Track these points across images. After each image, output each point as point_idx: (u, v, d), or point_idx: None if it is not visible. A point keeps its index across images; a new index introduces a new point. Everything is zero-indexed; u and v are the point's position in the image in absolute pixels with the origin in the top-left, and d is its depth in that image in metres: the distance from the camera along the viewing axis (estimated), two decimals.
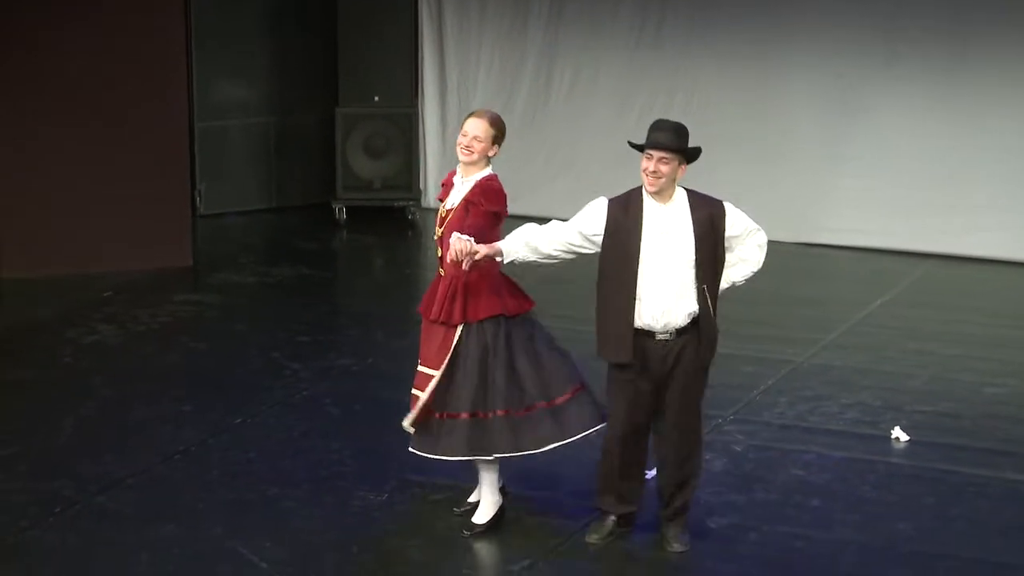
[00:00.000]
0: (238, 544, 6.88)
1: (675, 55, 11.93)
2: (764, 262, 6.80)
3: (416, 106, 12.40)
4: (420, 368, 6.89)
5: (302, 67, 12.43)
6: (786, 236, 11.72)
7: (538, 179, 12.10)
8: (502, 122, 6.87)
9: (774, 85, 11.72)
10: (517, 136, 12.41)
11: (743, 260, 6.75)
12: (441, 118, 12.51)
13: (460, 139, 6.82)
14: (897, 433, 8.17)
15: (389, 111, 12.22)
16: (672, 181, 6.59)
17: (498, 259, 6.61)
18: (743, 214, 6.72)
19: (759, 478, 7.64)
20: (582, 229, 6.58)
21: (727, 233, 6.64)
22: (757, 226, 6.75)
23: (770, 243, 11.32)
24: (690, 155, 6.62)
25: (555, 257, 6.64)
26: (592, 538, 6.84)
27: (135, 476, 7.60)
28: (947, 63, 11.30)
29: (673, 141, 6.56)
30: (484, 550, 6.86)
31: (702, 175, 11.57)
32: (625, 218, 6.54)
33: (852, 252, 11.49)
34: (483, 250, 6.50)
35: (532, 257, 6.63)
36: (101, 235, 10.69)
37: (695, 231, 6.56)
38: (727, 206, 6.68)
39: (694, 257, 6.56)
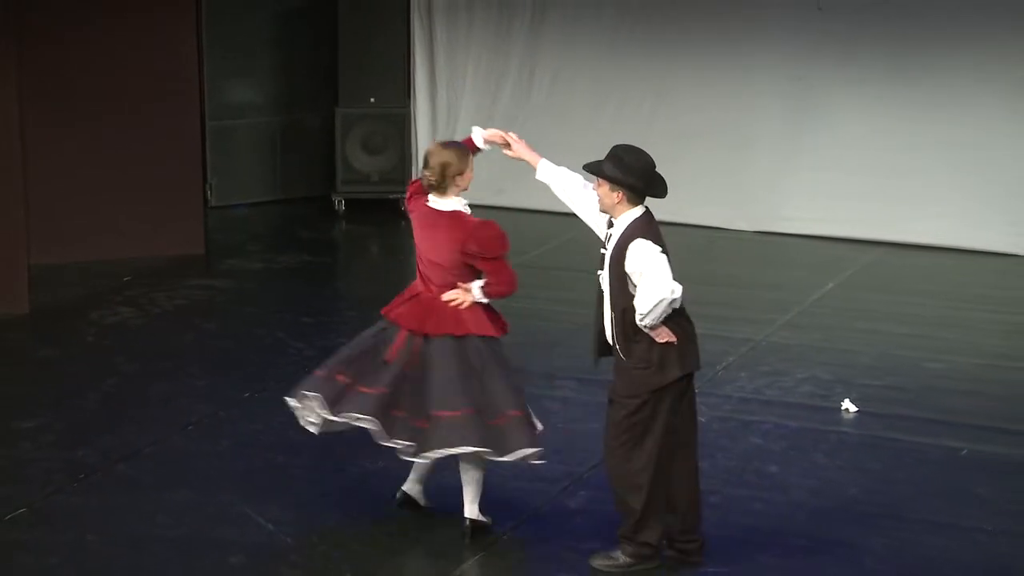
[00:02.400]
0: (247, 508, 6.89)
1: (646, 59, 11.92)
2: (657, 298, 6.01)
3: (409, 106, 12.38)
4: None
5: (305, 71, 12.40)
6: (746, 225, 11.76)
7: (520, 173, 12.05)
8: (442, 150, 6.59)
9: (737, 86, 11.71)
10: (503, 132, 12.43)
11: (635, 302, 6.07)
12: (432, 117, 12.50)
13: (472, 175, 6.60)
14: (847, 405, 8.20)
15: (384, 111, 12.20)
16: (610, 205, 6.16)
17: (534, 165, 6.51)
18: (647, 258, 6.06)
19: (721, 446, 7.66)
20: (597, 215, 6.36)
21: (626, 268, 6.10)
22: (656, 277, 6.02)
23: (732, 231, 11.67)
24: (626, 184, 6.10)
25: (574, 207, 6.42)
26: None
27: (153, 446, 7.60)
28: (896, 66, 11.30)
29: (601, 168, 6.14)
30: None
31: (670, 168, 11.68)
32: (606, 230, 6.33)
33: (807, 239, 11.49)
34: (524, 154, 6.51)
35: (557, 192, 6.46)
36: (121, 225, 10.67)
37: (609, 258, 6.18)
38: (634, 243, 6.08)
39: (608, 283, 6.20)
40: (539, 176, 6.57)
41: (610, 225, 6.29)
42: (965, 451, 7.62)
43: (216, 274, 10.66)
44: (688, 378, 6.27)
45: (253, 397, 8.26)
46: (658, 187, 6.21)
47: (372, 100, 12.18)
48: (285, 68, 12.37)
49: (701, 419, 7.91)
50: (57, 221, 10.49)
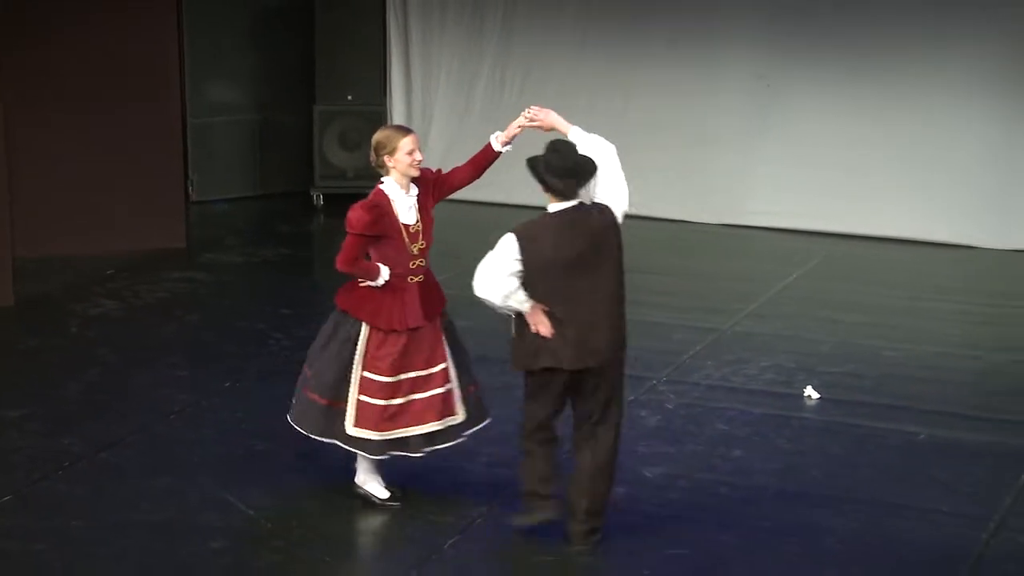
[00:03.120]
0: (228, 494, 6.87)
1: (615, 57, 11.93)
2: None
3: (385, 104, 12.37)
4: (389, 378, 6.56)
5: (283, 70, 12.37)
6: (712, 218, 11.78)
7: (494, 168, 12.04)
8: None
9: (703, 83, 11.73)
10: (475, 131, 12.41)
11: None
12: (407, 114, 12.49)
13: (414, 156, 6.49)
14: (809, 391, 8.23)
15: (361, 108, 12.17)
16: (543, 193, 6.23)
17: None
18: (493, 251, 6.16)
19: (688, 432, 7.68)
20: None
21: None
22: (479, 273, 6.16)
23: (698, 224, 11.70)
24: (543, 183, 6.18)
25: None
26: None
27: (135, 434, 7.57)
28: (856, 65, 11.35)
29: (532, 161, 6.22)
30: (446, 499, 6.86)
31: (638, 163, 11.69)
32: None
33: (771, 232, 11.53)
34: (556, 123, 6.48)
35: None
36: (105, 219, 10.63)
37: None
38: (505, 236, 6.16)
39: None
40: (572, 136, 6.49)
41: None
42: (923, 436, 7.65)
43: (197, 267, 10.63)
44: (578, 375, 6.22)
45: (234, 386, 8.24)
46: (570, 191, 6.15)
47: (349, 98, 12.15)
48: (264, 67, 12.34)
49: (668, 406, 7.98)
50: (42, 215, 10.44)
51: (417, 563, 6.30)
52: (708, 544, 6.48)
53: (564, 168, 6.17)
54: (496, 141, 6.70)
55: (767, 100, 11.60)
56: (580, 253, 6.15)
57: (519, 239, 6.12)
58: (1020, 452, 7.44)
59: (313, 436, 6.69)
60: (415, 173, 6.55)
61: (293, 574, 6.30)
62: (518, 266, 6.10)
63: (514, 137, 6.69)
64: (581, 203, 6.21)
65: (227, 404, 7.98)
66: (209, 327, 9.34)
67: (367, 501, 6.77)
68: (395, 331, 6.49)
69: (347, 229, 6.49)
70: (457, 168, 6.79)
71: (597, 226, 6.20)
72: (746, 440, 7.58)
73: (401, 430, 6.57)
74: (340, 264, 6.49)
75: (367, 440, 6.56)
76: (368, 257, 6.55)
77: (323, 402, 6.61)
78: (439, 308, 6.65)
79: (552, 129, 6.57)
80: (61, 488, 6.95)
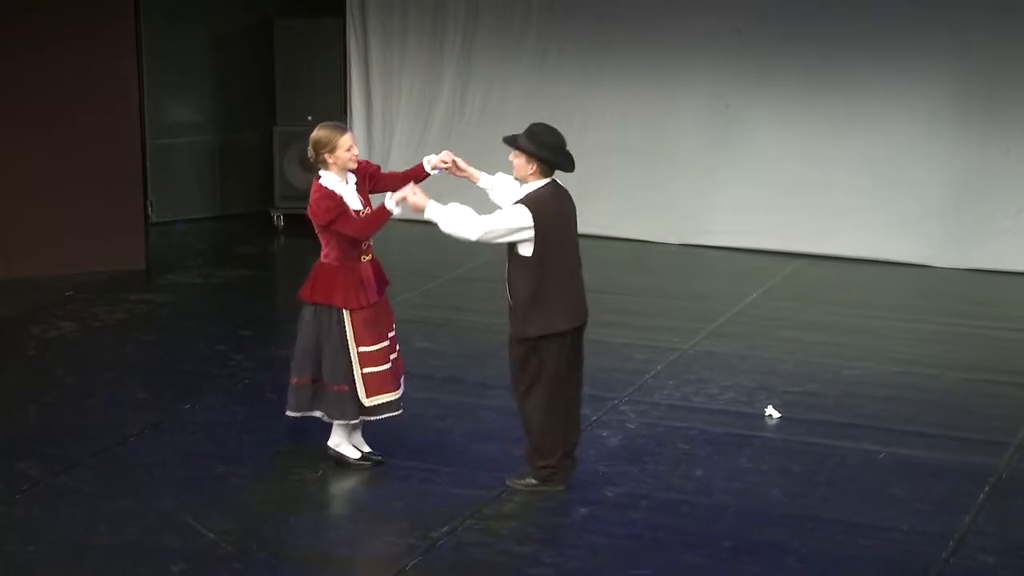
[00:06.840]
0: (188, 516, 6.82)
1: (575, 77, 11.96)
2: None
3: (345, 125, 12.34)
4: (383, 343, 7.09)
5: (242, 91, 12.34)
6: (672, 238, 11.81)
7: (454, 188, 12.06)
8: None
9: (662, 104, 11.77)
10: (435, 151, 12.39)
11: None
12: (368, 136, 12.48)
13: (353, 152, 6.99)
14: (770, 411, 8.24)
15: None
16: (524, 175, 6.78)
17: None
18: (507, 211, 6.73)
19: (650, 452, 7.68)
20: None
21: None
22: (491, 219, 6.70)
23: (658, 244, 11.74)
24: (540, 157, 6.72)
25: None
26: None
27: (94, 456, 7.51)
28: (813, 86, 11.41)
29: (518, 141, 6.75)
30: (407, 520, 6.83)
31: (599, 184, 11.75)
32: None
33: (730, 252, 11.57)
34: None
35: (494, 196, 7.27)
36: (64, 241, 10.56)
37: None
38: (515, 206, 6.72)
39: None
40: (481, 184, 7.24)
41: None
42: (883, 454, 7.68)
43: (156, 289, 10.57)
44: (570, 334, 6.89)
45: (193, 408, 8.18)
46: (567, 163, 6.82)
47: (309, 118, 12.10)
48: (223, 88, 12.31)
49: (630, 425, 7.99)
50: (0, 237, 10.36)
51: None
52: (670, 563, 6.47)
53: (556, 145, 6.76)
54: (428, 164, 7.27)
55: (726, 121, 11.65)
56: (568, 219, 6.85)
57: (529, 207, 6.64)
58: (979, 470, 7.48)
59: (348, 421, 7.16)
60: (353, 166, 7.07)
61: None
62: (529, 233, 6.63)
63: (438, 165, 7.25)
64: (554, 179, 6.79)
65: (186, 426, 7.93)
66: (168, 349, 9.28)
67: (323, 523, 6.78)
68: (363, 307, 7.01)
69: (324, 221, 6.94)
70: (392, 173, 7.41)
71: (568, 198, 6.90)
72: (707, 459, 7.59)
73: (401, 385, 7.27)
74: (359, 233, 6.98)
75: (387, 403, 7.11)
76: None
77: (338, 388, 7.05)
78: (386, 283, 7.27)
79: (464, 175, 7.25)
80: (18, 512, 6.88)
